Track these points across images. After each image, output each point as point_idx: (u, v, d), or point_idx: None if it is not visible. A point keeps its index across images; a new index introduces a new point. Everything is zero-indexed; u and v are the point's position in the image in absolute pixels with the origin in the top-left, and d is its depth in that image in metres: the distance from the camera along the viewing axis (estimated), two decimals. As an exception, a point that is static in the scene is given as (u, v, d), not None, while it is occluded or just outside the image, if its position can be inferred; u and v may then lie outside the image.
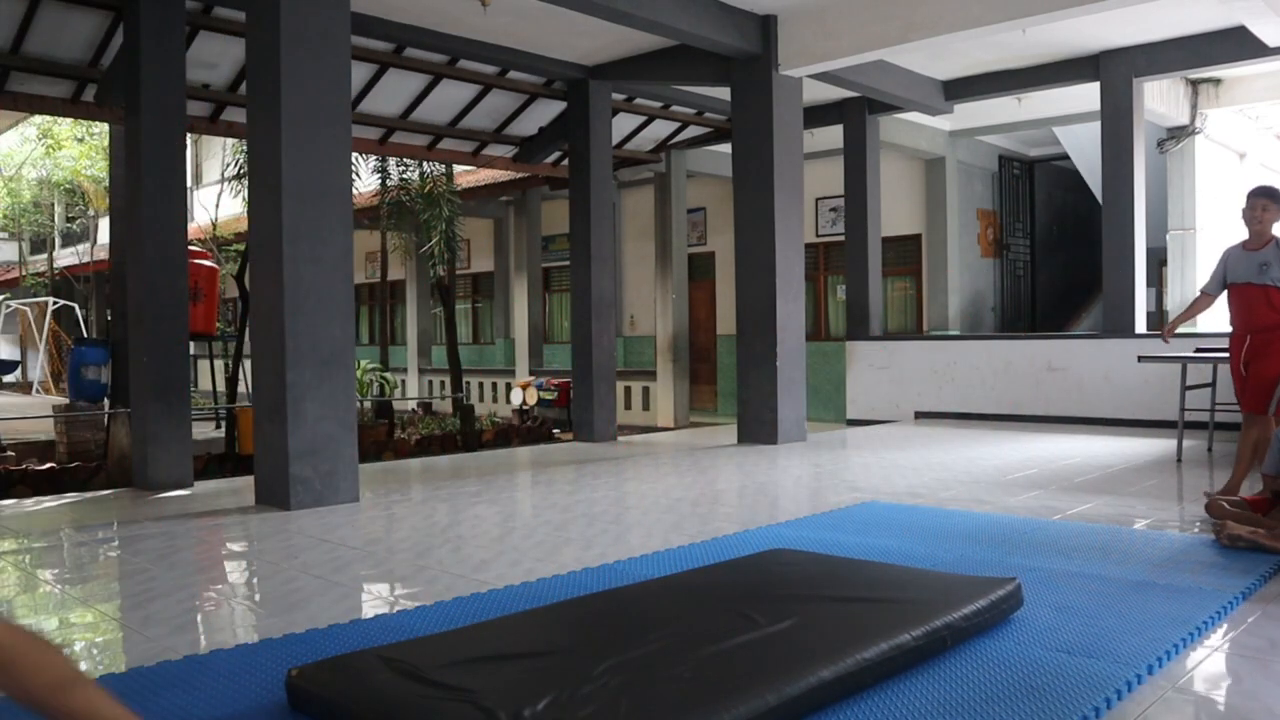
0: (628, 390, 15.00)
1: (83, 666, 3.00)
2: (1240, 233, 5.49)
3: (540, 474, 7.29)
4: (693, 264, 15.50)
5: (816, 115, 11.41)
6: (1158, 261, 12.37)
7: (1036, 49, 9.73)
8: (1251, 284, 5.24)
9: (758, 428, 8.77)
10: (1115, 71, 9.85)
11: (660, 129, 12.37)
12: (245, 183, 9.91)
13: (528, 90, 10.22)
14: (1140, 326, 9.98)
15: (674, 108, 11.40)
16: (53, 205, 25.06)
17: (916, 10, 7.78)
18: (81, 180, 21.77)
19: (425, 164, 14.17)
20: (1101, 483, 6.11)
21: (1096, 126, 10.38)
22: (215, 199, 16.78)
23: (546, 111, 10.94)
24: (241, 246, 15.65)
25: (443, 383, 18.00)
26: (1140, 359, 7.87)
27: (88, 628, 3.43)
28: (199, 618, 3.51)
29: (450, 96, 10.17)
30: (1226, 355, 7.27)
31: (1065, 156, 13.84)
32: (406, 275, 19.50)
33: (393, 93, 9.81)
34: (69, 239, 26.47)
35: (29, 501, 6.52)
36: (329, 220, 5.72)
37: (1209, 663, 2.80)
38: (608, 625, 2.89)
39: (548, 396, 14.70)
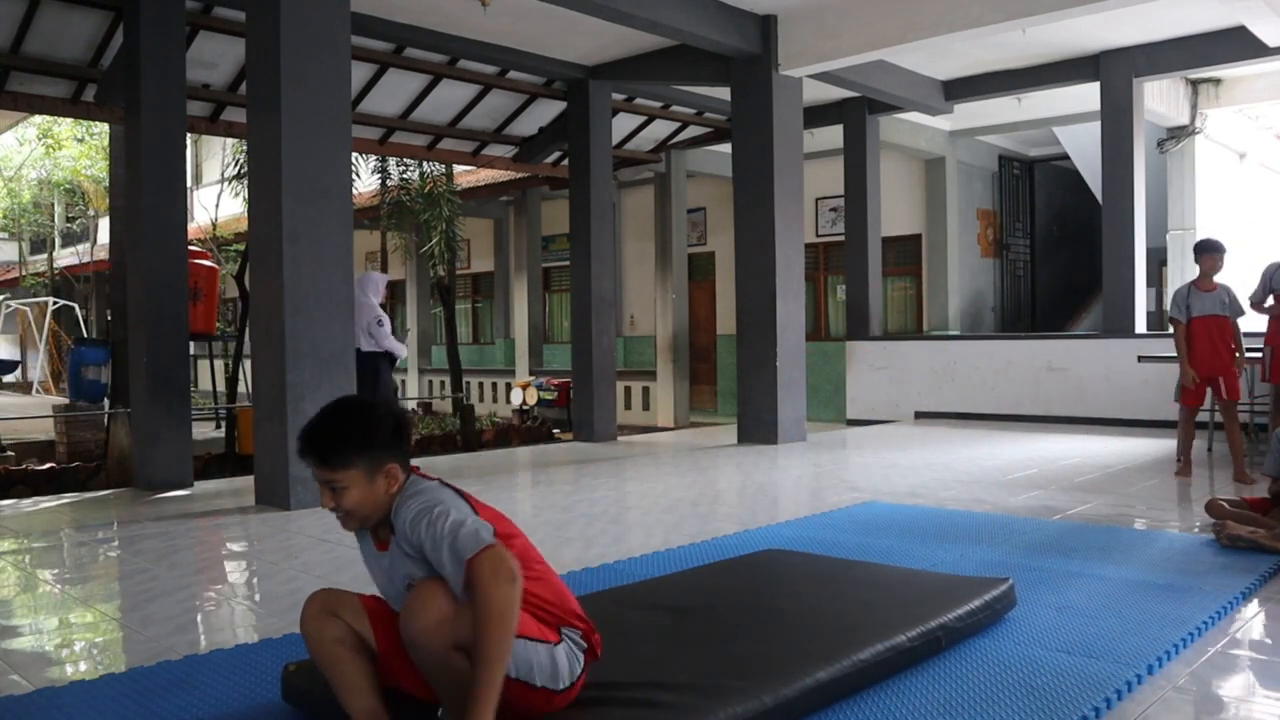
0: (628, 390, 15.00)
1: (83, 666, 3.00)
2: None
3: (540, 474, 7.29)
4: (693, 264, 15.49)
5: (816, 115, 11.41)
6: (1158, 261, 12.36)
7: (1036, 49, 9.73)
8: None
9: (758, 428, 8.77)
10: (1115, 71, 9.85)
11: (660, 129, 12.36)
12: (245, 183, 9.91)
13: (528, 90, 10.21)
14: (1140, 326, 9.98)
15: (674, 108, 11.39)
16: (53, 205, 25.06)
17: (916, 10, 7.78)
18: (81, 180, 21.76)
19: (425, 164, 14.17)
20: (1101, 483, 6.11)
21: (1096, 126, 10.38)
22: (215, 199, 16.77)
23: (546, 111, 10.93)
24: (241, 246, 15.66)
25: (443, 383, 17.99)
26: (1140, 359, 7.87)
27: (88, 628, 3.43)
28: (199, 618, 3.51)
29: (450, 96, 10.17)
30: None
31: (1065, 156, 13.83)
32: (406, 275, 19.49)
33: (393, 93, 9.81)
34: (69, 239, 26.45)
35: (29, 501, 6.53)
36: (329, 220, 5.71)
37: (1209, 663, 2.80)
38: (604, 626, 2.89)
39: (548, 396, 14.70)
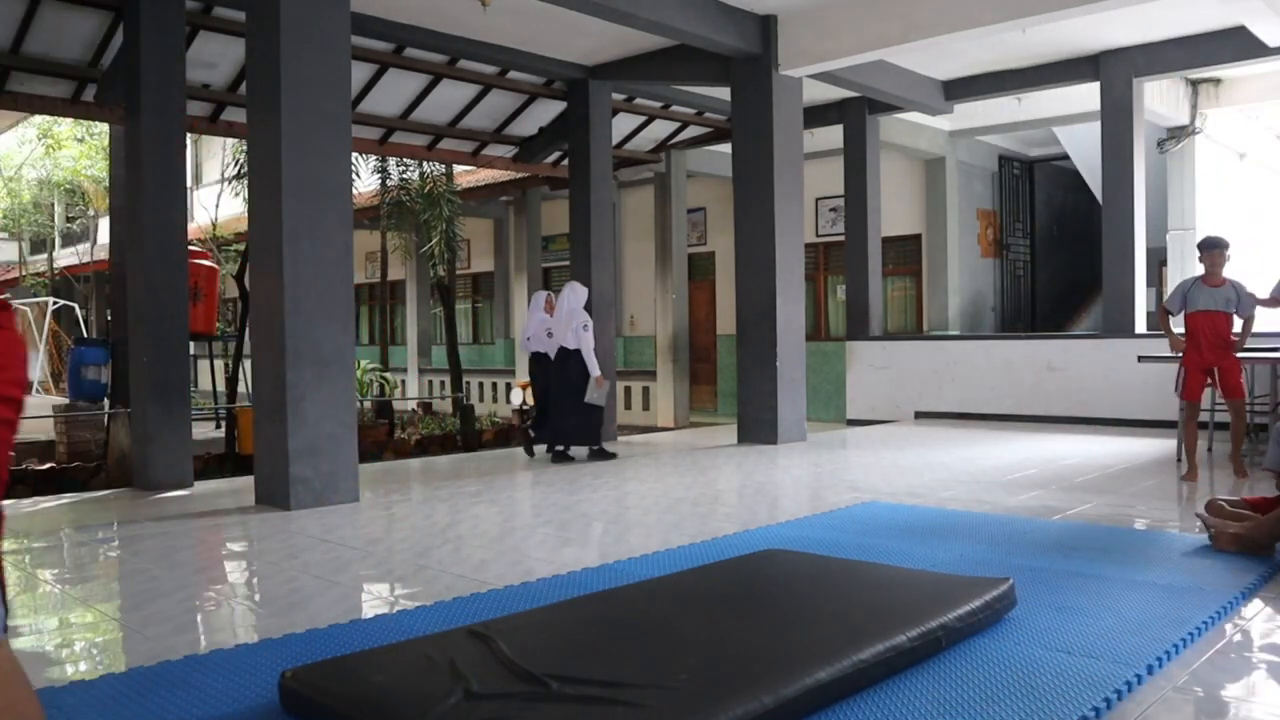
0: (628, 390, 14.99)
1: (83, 666, 3.00)
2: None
3: (540, 474, 7.28)
4: (693, 264, 15.49)
5: (816, 115, 11.40)
6: (1158, 261, 12.36)
7: (1036, 49, 9.72)
8: None
9: (758, 428, 8.76)
10: (1115, 71, 9.84)
11: (660, 129, 12.36)
12: (245, 183, 9.90)
13: (528, 90, 10.21)
14: (1140, 326, 9.98)
15: (674, 108, 11.39)
16: (53, 205, 25.05)
17: (916, 10, 7.78)
18: (81, 180, 21.76)
19: (425, 164, 14.17)
20: (1101, 483, 6.11)
21: (1096, 126, 10.38)
22: (215, 199, 16.77)
23: (546, 111, 10.93)
24: (241, 246, 15.65)
25: (443, 383, 17.98)
26: (1140, 359, 7.87)
27: (88, 628, 3.43)
28: (199, 618, 3.51)
29: (450, 96, 10.17)
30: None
31: (1065, 156, 13.83)
32: (406, 275, 19.48)
33: (393, 93, 9.81)
34: (69, 239, 26.45)
35: (29, 501, 6.53)
36: (329, 220, 5.72)
37: (1209, 663, 2.80)
38: (605, 626, 2.89)
39: (548, 396, 14.67)
